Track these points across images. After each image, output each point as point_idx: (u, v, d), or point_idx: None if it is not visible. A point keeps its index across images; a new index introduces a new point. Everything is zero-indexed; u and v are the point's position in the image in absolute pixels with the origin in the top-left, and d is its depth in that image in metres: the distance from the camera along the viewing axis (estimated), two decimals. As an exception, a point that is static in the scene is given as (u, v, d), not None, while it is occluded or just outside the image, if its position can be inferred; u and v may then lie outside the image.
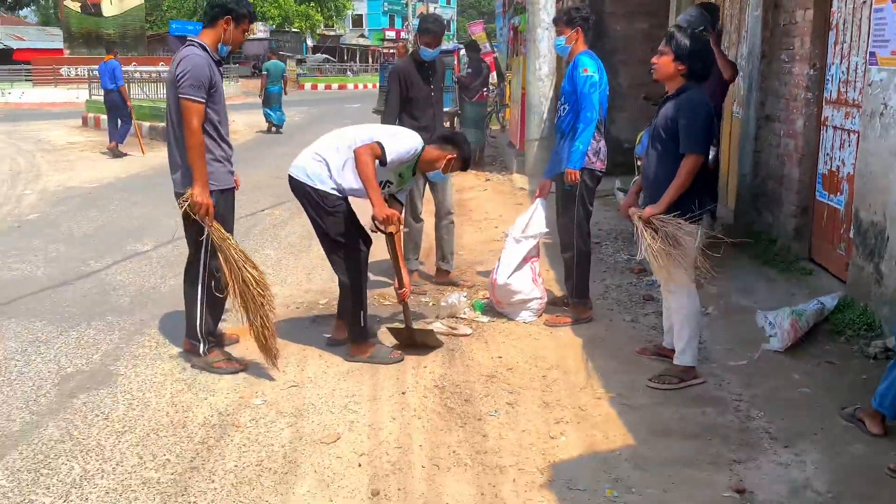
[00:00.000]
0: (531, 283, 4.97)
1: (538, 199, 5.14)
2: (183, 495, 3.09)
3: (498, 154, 13.69)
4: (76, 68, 29.83)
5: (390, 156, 4.20)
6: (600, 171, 5.00)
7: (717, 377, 4.17)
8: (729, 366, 4.31)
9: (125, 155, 13.34)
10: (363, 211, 4.42)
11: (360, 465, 3.30)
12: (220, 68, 4.22)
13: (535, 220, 5.07)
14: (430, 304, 5.47)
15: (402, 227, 4.76)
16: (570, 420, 3.69)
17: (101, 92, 14.37)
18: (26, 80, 30.78)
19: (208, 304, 4.28)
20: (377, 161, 4.20)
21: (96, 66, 22.71)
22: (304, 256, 6.80)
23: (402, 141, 4.33)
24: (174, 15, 48.52)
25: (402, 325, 4.69)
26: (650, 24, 10.05)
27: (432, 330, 4.77)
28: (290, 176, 4.38)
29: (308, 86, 44.02)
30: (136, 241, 7.23)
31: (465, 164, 4.66)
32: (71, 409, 3.84)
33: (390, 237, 4.46)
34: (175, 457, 3.38)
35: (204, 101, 4.02)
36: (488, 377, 4.18)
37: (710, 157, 5.61)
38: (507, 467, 3.27)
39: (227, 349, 4.48)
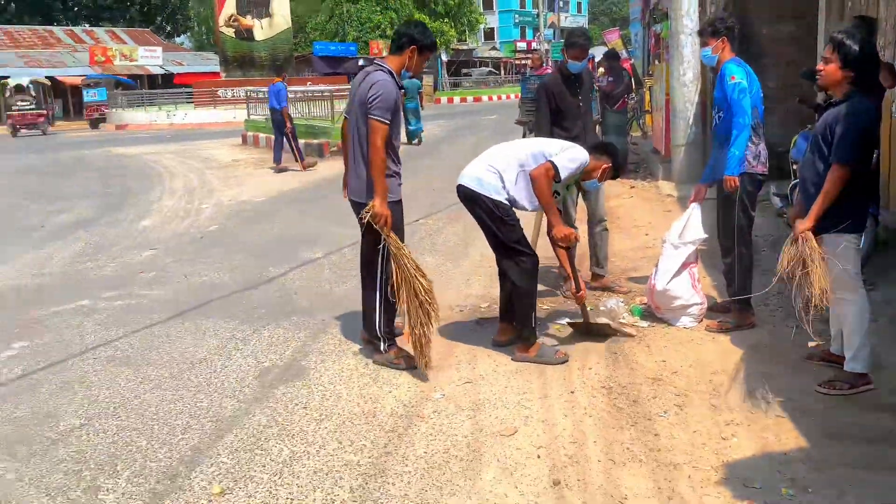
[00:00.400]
0: (690, 288, 5.06)
1: (693, 204, 5.23)
2: (381, 476, 3.43)
3: (642, 161, 13.65)
4: (232, 90, 31.98)
5: (563, 174, 4.50)
6: (762, 175, 5.02)
7: (892, 384, 4.12)
8: (902, 373, 4.25)
9: (286, 170, 14.27)
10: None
11: (538, 457, 3.53)
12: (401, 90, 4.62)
13: (691, 225, 5.16)
14: (589, 309, 5.64)
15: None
16: (741, 422, 3.78)
17: (260, 112, 15.50)
18: (188, 102, 33.28)
19: (385, 307, 4.65)
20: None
21: (251, 88, 24.33)
22: (462, 262, 7.14)
23: (572, 158, 4.62)
24: (317, 37, 50.94)
25: (580, 321, 5.04)
26: (797, 26, 9.79)
27: (608, 323, 5.07)
28: (461, 185, 4.70)
29: (444, 99, 45.02)
30: (309, 249, 7.82)
31: (617, 173, 4.88)
32: (273, 399, 4.30)
33: (566, 249, 4.77)
34: (370, 443, 3.74)
35: (389, 122, 4.40)
36: (654, 380, 4.33)
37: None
38: (681, 465, 3.42)
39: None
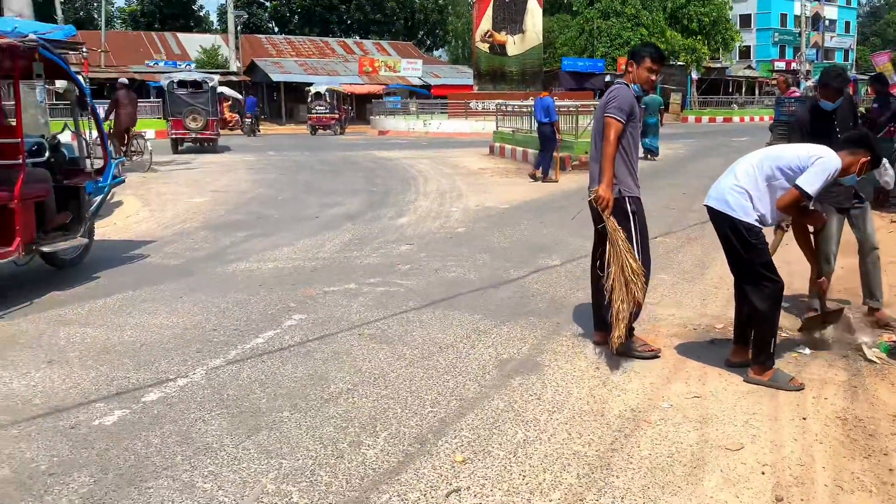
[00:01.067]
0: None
1: None
2: (606, 469, 3.71)
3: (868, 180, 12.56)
4: (482, 102, 33.49)
5: (813, 191, 4.51)
6: None
7: None
8: None
9: (551, 181, 14.88)
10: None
11: (763, 473, 3.62)
12: (640, 105, 5.18)
13: None
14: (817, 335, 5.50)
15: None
16: None
17: (509, 124, 16.25)
18: (442, 113, 35.35)
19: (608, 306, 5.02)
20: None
21: (501, 101, 25.36)
22: (698, 282, 7.17)
23: (819, 171, 4.53)
24: (566, 52, 51.65)
25: (817, 314, 5.10)
26: None
27: (842, 309, 5.14)
28: (710, 207, 4.83)
29: (692, 118, 43.76)
30: (547, 257, 8.24)
31: (877, 163, 4.79)
32: (510, 388, 4.72)
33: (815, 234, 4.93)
34: (597, 438, 4.03)
35: (623, 122, 4.95)
36: (895, 417, 4.20)
37: None
38: (916, 502, 3.36)
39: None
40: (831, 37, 70.06)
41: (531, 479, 3.61)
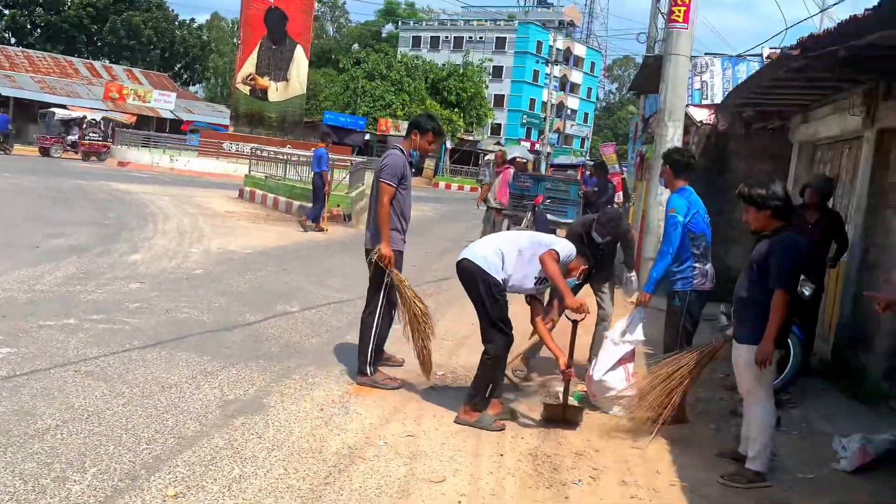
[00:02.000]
0: (624, 381, 5.58)
1: (637, 308, 5.81)
2: (318, 500, 3.86)
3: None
4: (237, 144, 32.91)
5: (563, 259, 5.22)
6: (708, 290, 5.74)
7: (785, 484, 4.62)
8: (797, 477, 4.76)
9: (320, 230, 14.97)
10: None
11: (459, 502, 3.98)
12: (412, 167, 5.83)
13: (633, 326, 5.72)
14: (533, 389, 6.15)
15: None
16: (644, 498, 4.26)
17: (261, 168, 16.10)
18: (192, 150, 34.18)
19: (379, 333, 5.77)
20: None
21: (256, 145, 25.13)
22: (426, 335, 7.64)
23: (565, 248, 5.36)
24: (329, 106, 52.52)
25: (558, 402, 5.47)
26: (773, 166, 10.61)
27: (582, 408, 5.56)
28: (466, 259, 5.27)
29: (442, 184, 46.13)
30: (286, 303, 8.31)
31: (590, 275, 5.69)
32: (232, 427, 4.73)
33: (573, 324, 5.45)
34: (312, 473, 4.18)
35: (395, 186, 5.65)
36: (577, 454, 4.81)
37: (808, 292, 6.17)
38: (583, 525, 3.88)
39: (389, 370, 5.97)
40: (571, 125, 78.01)
41: (243, 513, 3.66)
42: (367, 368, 5.76)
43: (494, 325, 5.22)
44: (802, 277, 6.50)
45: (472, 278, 5.25)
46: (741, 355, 4.63)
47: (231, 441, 4.50)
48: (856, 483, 4.70)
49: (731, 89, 10.41)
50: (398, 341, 6.16)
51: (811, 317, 6.97)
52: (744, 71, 10.88)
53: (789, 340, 6.26)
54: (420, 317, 5.65)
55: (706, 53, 11.79)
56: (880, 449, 4.90)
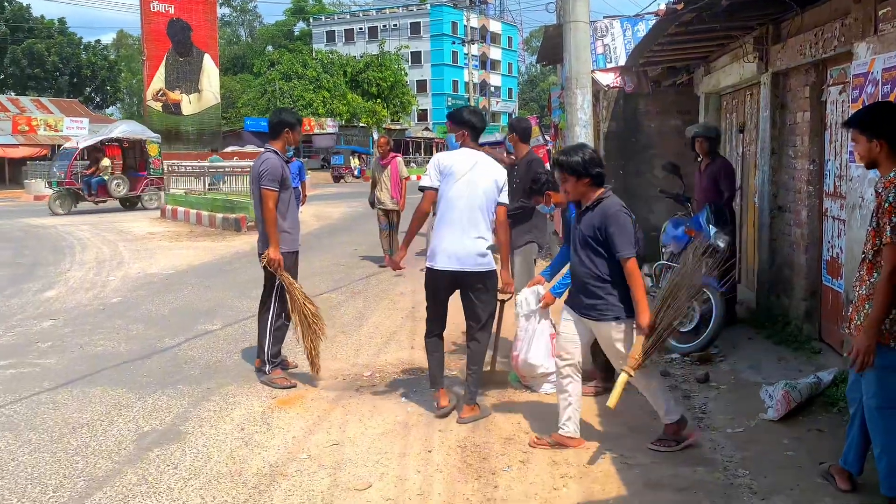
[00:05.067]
0: (550, 357, 5.49)
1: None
2: (237, 528, 3.69)
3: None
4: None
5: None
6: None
7: (714, 442, 4.61)
8: (727, 433, 4.75)
9: None
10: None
11: (385, 508, 3.86)
12: (289, 165, 5.86)
13: (536, 297, 5.57)
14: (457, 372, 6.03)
15: None
16: (574, 475, 4.19)
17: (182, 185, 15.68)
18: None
19: (274, 333, 5.85)
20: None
21: (175, 161, 24.45)
22: (354, 334, 7.47)
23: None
24: (248, 112, 51.56)
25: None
26: (683, 121, 10.70)
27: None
28: (461, 272, 5.00)
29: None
30: (208, 321, 8.04)
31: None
32: (147, 460, 4.51)
33: (500, 304, 5.54)
34: (231, 499, 4.00)
35: (277, 190, 5.63)
36: (507, 439, 4.72)
37: (723, 244, 6.22)
38: (513, 513, 3.79)
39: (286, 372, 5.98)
40: (497, 101, 78.13)
41: (155, 554, 3.47)
42: (266, 368, 5.87)
43: (491, 316, 5.24)
44: (716, 230, 6.55)
45: (474, 283, 5.06)
46: (611, 334, 4.44)
47: (145, 476, 4.29)
48: (780, 431, 4.71)
49: (632, 50, 10.44)
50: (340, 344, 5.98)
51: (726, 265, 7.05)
52: (643, 30, 10.90)
53: (709, 293, 6.31)
54: (310, 318, 5.70)
55: (605, 17, 11.81)
56: (804, 393, 4.93)
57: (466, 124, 5.20)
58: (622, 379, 4.33)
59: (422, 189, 5.14)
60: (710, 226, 6.64)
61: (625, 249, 4.29)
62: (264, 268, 5.78)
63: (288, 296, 5.77)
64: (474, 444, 4.66)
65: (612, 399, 4.31)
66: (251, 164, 19.38)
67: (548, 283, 5.56)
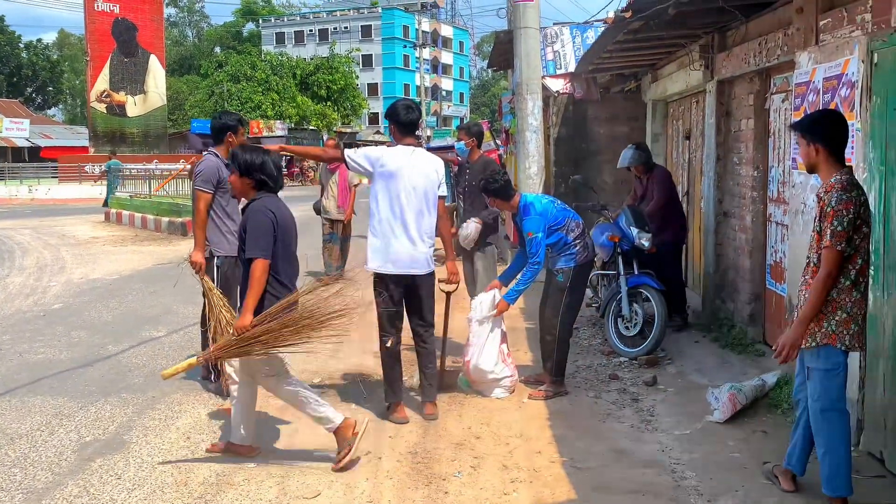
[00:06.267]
0: (501, 363, 5.51)
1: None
2: (182, 540, 3.61)
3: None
4: (100, 165, 31.25)
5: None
6: (591, 261, 5.90)
7: (662, 444, 4.67)
8: (674, 435, 4.82)
9: None
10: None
11: (335, 517, 3.81)
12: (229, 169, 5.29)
13: (488, 301, 5.63)
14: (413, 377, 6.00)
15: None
16: (524, 480, 4.19)
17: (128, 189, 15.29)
18: (52, 177, 32.28)
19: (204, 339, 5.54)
20: None
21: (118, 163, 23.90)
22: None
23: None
24: (196, 114, 50.64)
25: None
26: (630, 128, 10.87)
27: (458, 371, 5.81)
28: (413, 275, 5.03)
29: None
30: (153, 328, 7.87)
31: None
32: (88, 471, 4.38)
33: (446, 295, 5.67)
34: (177, 509, 3.91)
35: (211, 192, 5.56)
36: (457, 444, 4.70)
37: (647, 243, 6.45)
38: (463, 519, 3.77)
39: None
40: (448, 106, 78.27)
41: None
42: (212, 375, 5.77)
43: (432, 314, 5.31)
44: (638, 230, 6.68)
45: (423, 284, 5.15)
46: None
47: (87, 487, 4.17)
48: (726, 433, 4.80)
49: (581, 57, 10.56)
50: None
51: (670, 266, 7.19)
52: (592, 37, 11.04)
53: (648, 294, 6.43)
54: (226, 325, 5.07)
55: (555, 23, 11.92)
56: (749, 395, 5.03)
57: (392, 118, 5.21)
58: (188, 361, 4.46)
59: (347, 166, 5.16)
60: (632, 227, 6.78)
61: (253, 249, 4.27)
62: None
63: (205, 300, 5.23)
64: (424, 449, 4.63)
65: (167, 372, 4.42)
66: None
67: (504, 287, 5.60)
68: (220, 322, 5.00)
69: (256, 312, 4.27)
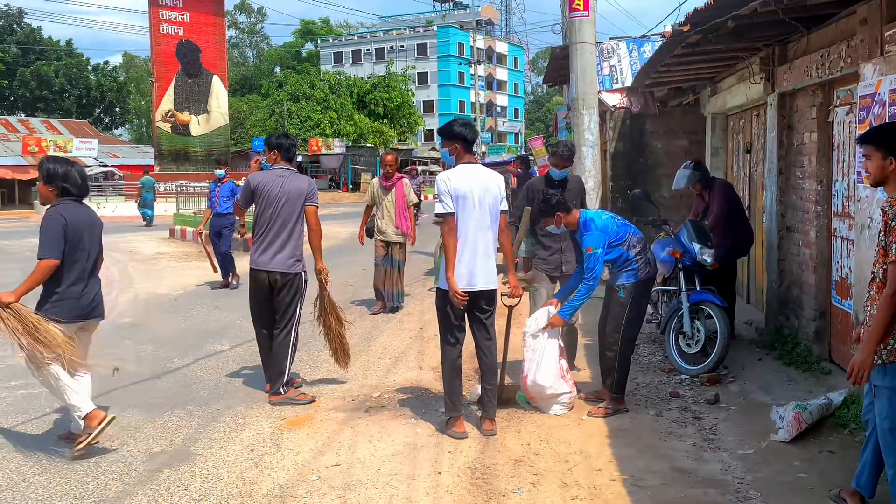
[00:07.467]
0: (560, 379, 5.50)
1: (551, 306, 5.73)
2: (247, 551, 3.69)
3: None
4: (165, 184, 32.21)
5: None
6: (653, 277, 5.85)
7: (724, 463, 4.59)
8: (738, 454, 4.73)
9: None
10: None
11: (396, 531, 3.85)
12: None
13: (543, 317, 5.64)
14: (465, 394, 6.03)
15: None
16: (585, 497, 4.17)
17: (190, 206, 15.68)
18: (119, 195, 33.35)
19: (294, 354, 6.09)
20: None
21: (183, 182, 24.61)
22: (363, 356, 7.46)
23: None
24: (257, 133, 51.78)
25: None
26: (689, 142, 10.75)
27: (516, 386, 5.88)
28: (489, 291, 5.18)
29: (379, 197, 45.68)
30: (217, 342, 8.07)
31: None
32: (157, 482, 4.51)
33: (508, 309, 5.85)
34: (242, 521, 4.00)
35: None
36: (517, 461, 4.71)
37: (710, 259, 6.37)
38: (524, 535, 3.77)
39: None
40: (503, 121, 78.48)
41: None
42: (282, 389, 5.94)
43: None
44: (700, 246, 6.58)
45: (490, 299, 5.31)
46: None
47: (155, 497, 4.30)
48: (791, 453, 4.70)
49: (638, 71, 10.50)
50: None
51: (727, 283, 7.06)
52: (649, 51, 10.98)
53: (710, 311, 6.33)
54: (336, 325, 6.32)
55: (611, 38, 11.89)
56: (815, 414, 4.91)
57: (457, 137, 5.24)
58: None
59: (439, 216, 5.19)
60: (694, 243, 6.69)
61: (39, 252, 4.87)
62: (294, 288, 6.01)
63: (326, 305, 6.19)
64: (484, 465, 4.65)
65: None
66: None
67: (560, 304, 5.60)
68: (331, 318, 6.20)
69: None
